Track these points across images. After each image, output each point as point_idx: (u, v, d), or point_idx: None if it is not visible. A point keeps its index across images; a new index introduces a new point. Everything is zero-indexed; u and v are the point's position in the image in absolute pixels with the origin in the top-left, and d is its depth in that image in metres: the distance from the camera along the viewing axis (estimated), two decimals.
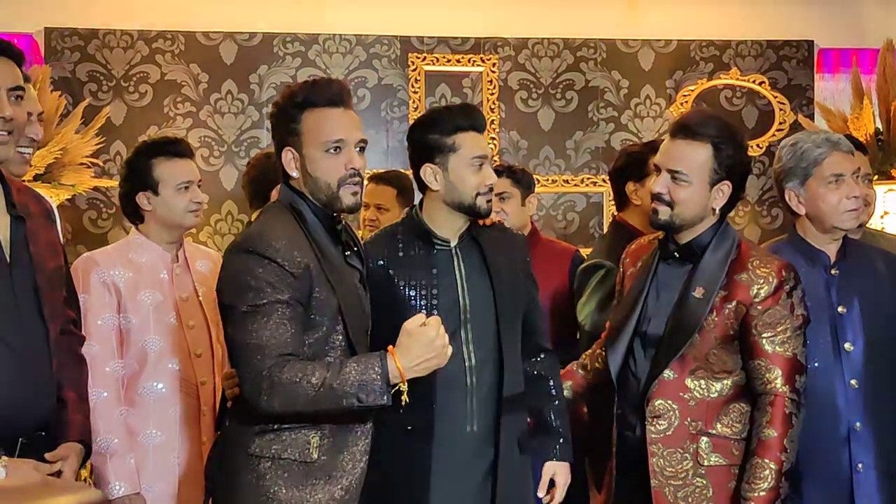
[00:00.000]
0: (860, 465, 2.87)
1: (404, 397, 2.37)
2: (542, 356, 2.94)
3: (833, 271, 2.96)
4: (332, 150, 2.53)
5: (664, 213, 2.79)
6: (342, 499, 2.47)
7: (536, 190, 5.42)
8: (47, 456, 2.40)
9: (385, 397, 2.35)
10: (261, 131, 5.49)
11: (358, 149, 2.57)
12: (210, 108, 5.47)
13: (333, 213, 2.58)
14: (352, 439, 2.50)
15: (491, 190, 2.80)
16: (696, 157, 2.75)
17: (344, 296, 2.50)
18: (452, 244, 2.82)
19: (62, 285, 2.59)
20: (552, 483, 2.87)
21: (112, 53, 5.40)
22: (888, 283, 3.00)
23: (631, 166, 3.56)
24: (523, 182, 3.98)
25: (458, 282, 2.78)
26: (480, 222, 2.88)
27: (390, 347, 2.38)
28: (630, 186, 3.55)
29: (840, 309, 2.92)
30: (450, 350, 2.43)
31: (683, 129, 2.77)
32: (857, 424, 2.88)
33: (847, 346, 2.90)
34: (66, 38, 5.37)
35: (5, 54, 2.42)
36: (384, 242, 2.82)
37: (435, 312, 2.68)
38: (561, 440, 2.88)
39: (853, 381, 2.88)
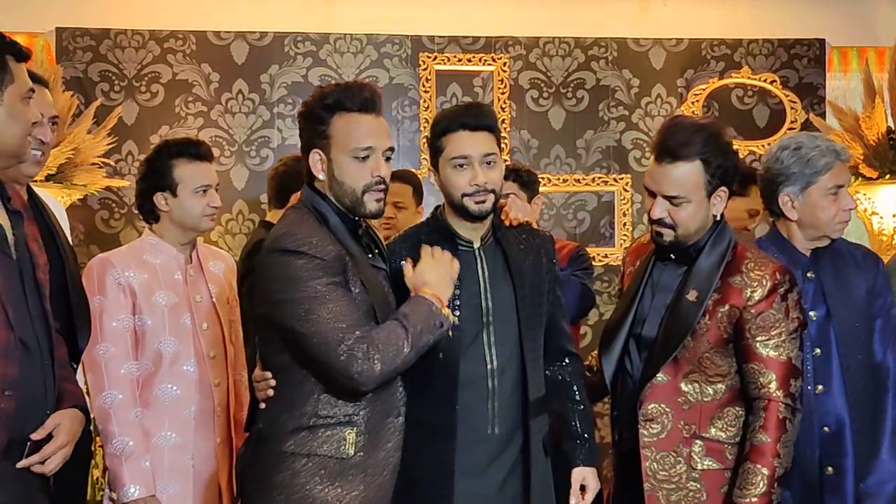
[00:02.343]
0: (830, 469, 2.90)
1: (453, 318, 2.58)
2: (567, 361, 2.92)
3: (809, 274, 2.96)
4: (360, 157, 2.54)
5: (668, 234, 2.76)
6: (376, 495, 2.50)
7: (547, 189, 5.46)
8: (32, 436, 2.34)
9: (447, 320, 2.52)
10: (272, 131, 5.49)
11: (385, 157, 2.58)
12: (221, 107, 5.47)
13: (356, 217, 2.59)
14: (385, 436, 2.53)
15: (485, 191, 2.72)
16: (689, 177, 2.71)
17: (375, 294, 2.53)
18: (476, 245, 2.81)
19: (48, 280, 2.54)
20: (582, 488, 2.85)
21: (124, 53, 5.41)
22: (860, 280, 3.00)
23: None
24: (530, 184, 3.99)
25: (481, 284, 2.77)
26: (507, 223, 2.86)
27: (414, 292, 2.54)
28: None
29: (811, 314, 2.92)
30: (448, 254, 2.61)
31: (669, 153, 2.72)
32: (826, 428, 2.90)
33: (817, 350, 2.91)
34: (78, 38, 5.37)
35: (22, 59, 2.43)
36: (409, 243, 2.81)
37: (457, 314, 2.69)
38: (586, 445, 2.86)
39: (820, 387, 2.90)
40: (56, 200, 3.51)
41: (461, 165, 2.72)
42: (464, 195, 2.72)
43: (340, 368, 2.39)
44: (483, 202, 2.73)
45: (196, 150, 3.20)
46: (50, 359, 2.41)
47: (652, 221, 2.78)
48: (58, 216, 3.09)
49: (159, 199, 3.16)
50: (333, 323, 2.39)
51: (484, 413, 2.73)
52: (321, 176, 2.57)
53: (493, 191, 2.74)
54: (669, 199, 2.73)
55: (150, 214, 3.21)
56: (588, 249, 5.01)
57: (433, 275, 2.56)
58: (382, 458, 2.52)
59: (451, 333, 2.59)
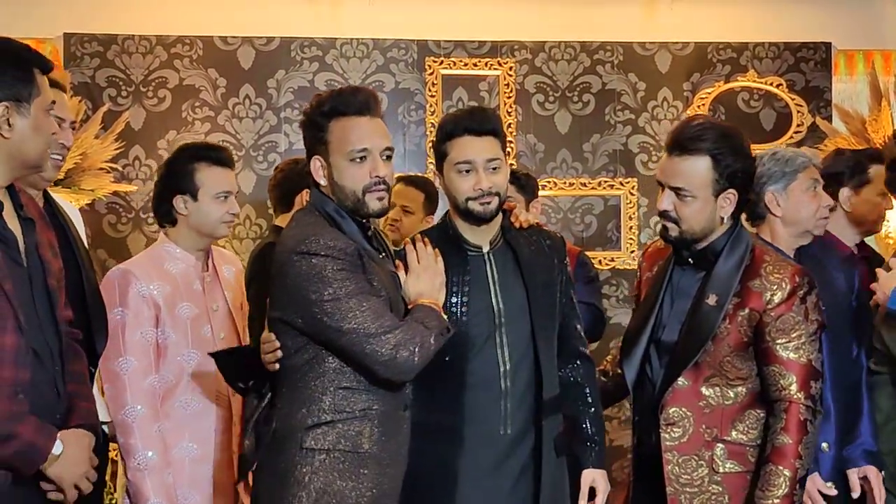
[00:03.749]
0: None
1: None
2: (579, 362, 2.93)
3: None
4: (357, 159, 2.58)
5: (673, 229, 2.79)
6: (389, 486, 2.55)
7: (553, 193, 5.47)
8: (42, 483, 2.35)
9: (451, 326, 2.61)
10: (279, 135, 5.50)
11: (384, 157, 2.61)
12: (228, 112, 5.48)
13: (361, 218, 2.62)
14: (396, 428, 2.58)
15: (490, 193, 2.73)
16: (696, 171, 2.73)
17: (389, 292, 2.58)
18: (485, 250, 2.82)
19: (63, 286, 2.54)
20: (592, 491, 2.85)
21: (131, 59, 5.41)
22: (841, 279, 3.18)
23: (848, 171, 3.47)
24: (527, 188, 3.98)
25: (491, 287, 2.78)
26: (516, 225, 2.87)
27: (412, 304, 2.61)
28: (845, 192, 3.44)
29: None
30: (438, 260, 2.69)
31: (679, 146, 2.74)
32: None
33: None
34: (86, 43, 5.38)
35: (46, 70, 2.42)
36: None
37: (466, 318, 2.72)
38: (596, 448, 2.87)
39: None
40: (71, 205, 3.49)
41: (466, 171, 2.73)
42: (468, 199, 2.74)
43: (384, 360, 2.45)
44: (488, 204, 2.74)
45: (219, 155, 3.17)
46: (60, 365, 2.42)
47: (659, 214, 2.82)
48: (74, 220, 3.08)
49: (178, 201, 3.10)
50: (374, 317, 2.45)
51: (496, 414, 2.74)
52: (322, 182, 2.63)
53: (497, 194, 2.75)
54: (676, 191, 2.75)
55: (167, 217, 3.15)
56: (594, 253, 5.05)
57: (425, 283, 2.64)
58: (395, 450, 2.57)
59: (460, 331, 2.66)
